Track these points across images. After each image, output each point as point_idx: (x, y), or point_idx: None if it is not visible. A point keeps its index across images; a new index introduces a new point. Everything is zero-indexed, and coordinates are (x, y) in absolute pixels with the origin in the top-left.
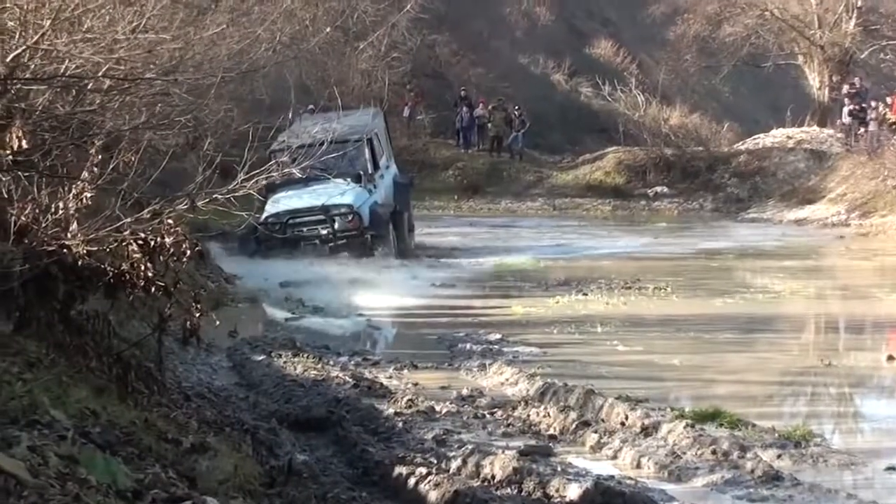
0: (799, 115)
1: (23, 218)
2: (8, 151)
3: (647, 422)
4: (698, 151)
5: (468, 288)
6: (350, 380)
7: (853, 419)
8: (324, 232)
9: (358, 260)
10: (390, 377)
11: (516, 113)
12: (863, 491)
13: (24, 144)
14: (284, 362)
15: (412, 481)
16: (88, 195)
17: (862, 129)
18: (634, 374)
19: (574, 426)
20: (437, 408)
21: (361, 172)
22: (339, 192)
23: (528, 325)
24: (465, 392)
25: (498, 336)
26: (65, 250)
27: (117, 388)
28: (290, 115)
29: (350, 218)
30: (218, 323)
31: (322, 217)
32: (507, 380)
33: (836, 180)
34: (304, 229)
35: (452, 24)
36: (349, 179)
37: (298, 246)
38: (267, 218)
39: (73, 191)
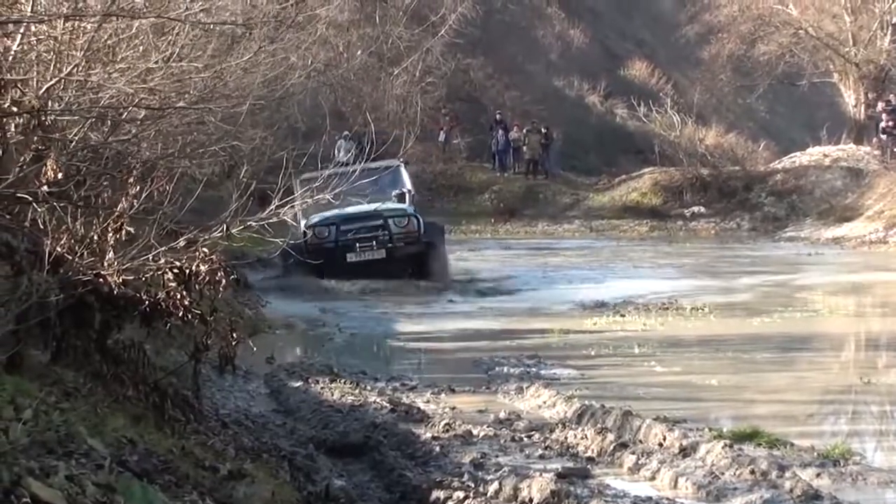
0: (835, 133)
1: (58, 248)
2: (44, 181)
3: (685, 442)
4: (735, 171)
5: (504, 311)
6: (387, 405)
7: (893, 437)
8: (380, 234)
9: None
10: (427, 401)
11: (542, 131)
12: None
13: (60, 176)
14: (321, 388)
15: None
16: (122, 224)
17: None
18: (672, 394)
19: (612, 448)
20: (475, 431)
21: (405, 191)
22: (390, 202)
23: (566, 347)
24: (502, 415)
25: (535, 358)
26: (100, 280)
27: (154, 417)
28: (325, 140)
29: (406, 222)
30: (255, 349)
31: (378, 222)
32: (544, 402)
33: (873, 198)
34: (358, 234)
35: (487, 47)
36: (394, 199)
37: (354, 248)
38: (315, 223)
39: (109, 221)
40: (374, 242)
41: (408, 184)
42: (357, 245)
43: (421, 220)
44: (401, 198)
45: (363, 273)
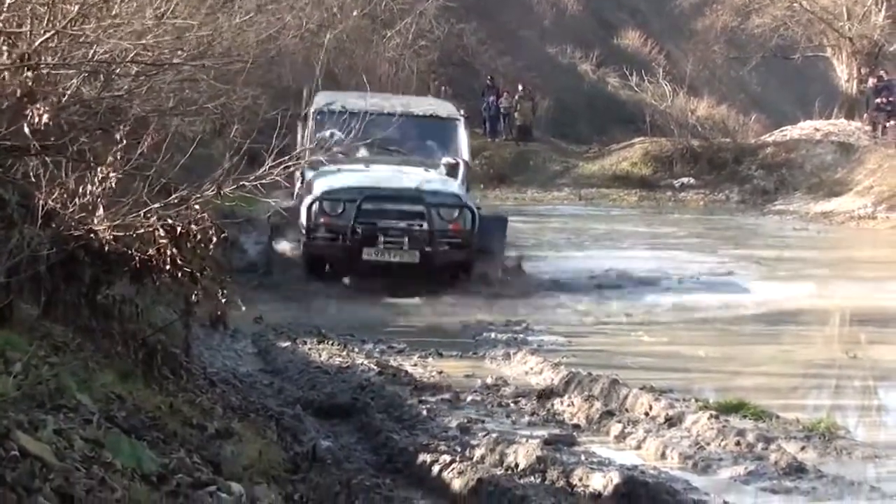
0: (827, 108)
1: (50, 202)
2: (35, 126)
3: (671, 412)
4: (725, 143)
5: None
6: (375, 367)
7: (878, 412)
8: (416, 228)
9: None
10: (415, 365)
11: (521, 92)
12: (886, 484)
13: (47, 120)
14: (309, 349)
15: (436, 469)
16: (114, 179)
17: (891, 122)
18: (659, 364)
19: (598, 416)
20: (462, 396)
21: (459, 161)
22: (435, 178)
23: (553, 314)
24: (489, 381)
25: (522, 325)
26: (92, 235)
27: (143, 373)
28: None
29: (455, 215)
30: (244, 308)
31: (418, 208)
32: (531, 369)
33: (863, 173)
34: (386, 221)
35: (480, 12)
36: (442, 169)
37: (375, 242)
38: (326, 192)
39: (100, 175)
40: (407, 239)
41: (464, 150)
42: (381, 238)
43: (477, 215)
44: (452, 170)
45: (381, 276)
